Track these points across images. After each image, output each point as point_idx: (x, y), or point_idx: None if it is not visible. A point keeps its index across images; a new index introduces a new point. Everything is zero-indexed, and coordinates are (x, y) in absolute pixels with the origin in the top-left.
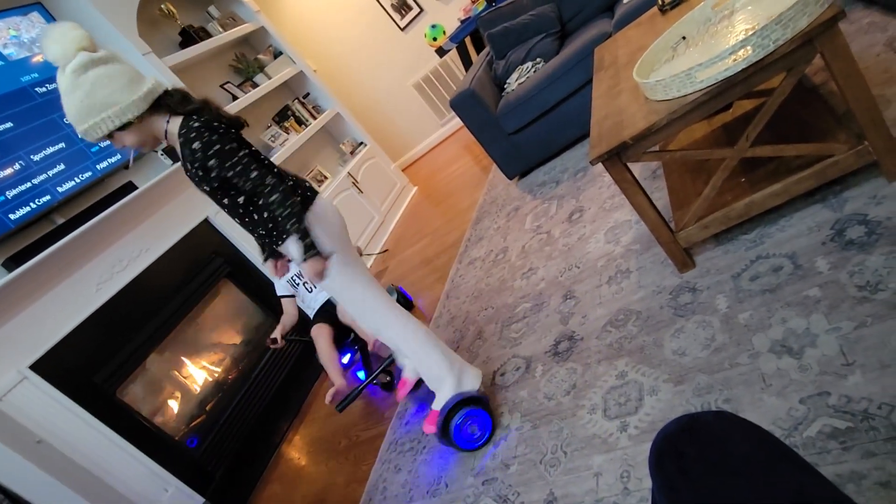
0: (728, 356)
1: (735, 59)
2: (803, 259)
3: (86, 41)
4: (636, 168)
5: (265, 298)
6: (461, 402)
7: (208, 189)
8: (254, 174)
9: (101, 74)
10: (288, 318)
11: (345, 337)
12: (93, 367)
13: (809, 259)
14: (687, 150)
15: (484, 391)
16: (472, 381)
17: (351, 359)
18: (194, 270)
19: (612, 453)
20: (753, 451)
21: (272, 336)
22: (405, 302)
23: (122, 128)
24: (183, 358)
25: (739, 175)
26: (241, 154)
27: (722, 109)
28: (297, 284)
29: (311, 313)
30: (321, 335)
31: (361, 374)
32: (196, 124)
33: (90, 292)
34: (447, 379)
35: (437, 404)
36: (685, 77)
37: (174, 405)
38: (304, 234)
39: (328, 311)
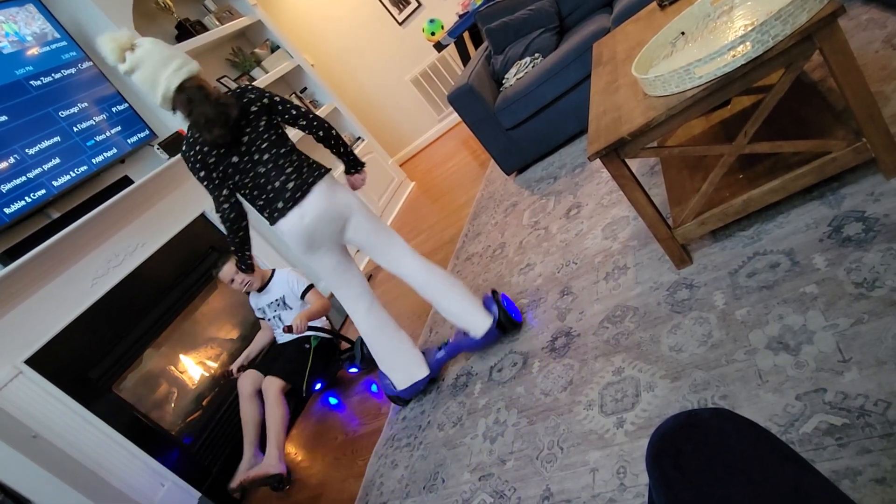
0: (725, 353)
1: (734, 55)
2: (800, 256)
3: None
4: (634, 164)
5: None
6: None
7: (278, 119)
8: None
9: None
10: (257, 343)
11: (296, 391)
12: (89, 362)
13: (807, 256)
14: (685, 146)
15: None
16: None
17: (322, 385)
18: (191, 265)
19: (608, 449)
20: (750, 448)
21: (229, 367)
22: None
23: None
24: (180, 353)
25: (737, 171)
26: None
27: (720, 105)
28: (269, 318)
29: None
30: (245, 392)
31: (333, 400)
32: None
33: (86, 287)
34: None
35: (483, 325)
36: (684, 73)
37: (171, 400)
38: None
39: (285, 358)
